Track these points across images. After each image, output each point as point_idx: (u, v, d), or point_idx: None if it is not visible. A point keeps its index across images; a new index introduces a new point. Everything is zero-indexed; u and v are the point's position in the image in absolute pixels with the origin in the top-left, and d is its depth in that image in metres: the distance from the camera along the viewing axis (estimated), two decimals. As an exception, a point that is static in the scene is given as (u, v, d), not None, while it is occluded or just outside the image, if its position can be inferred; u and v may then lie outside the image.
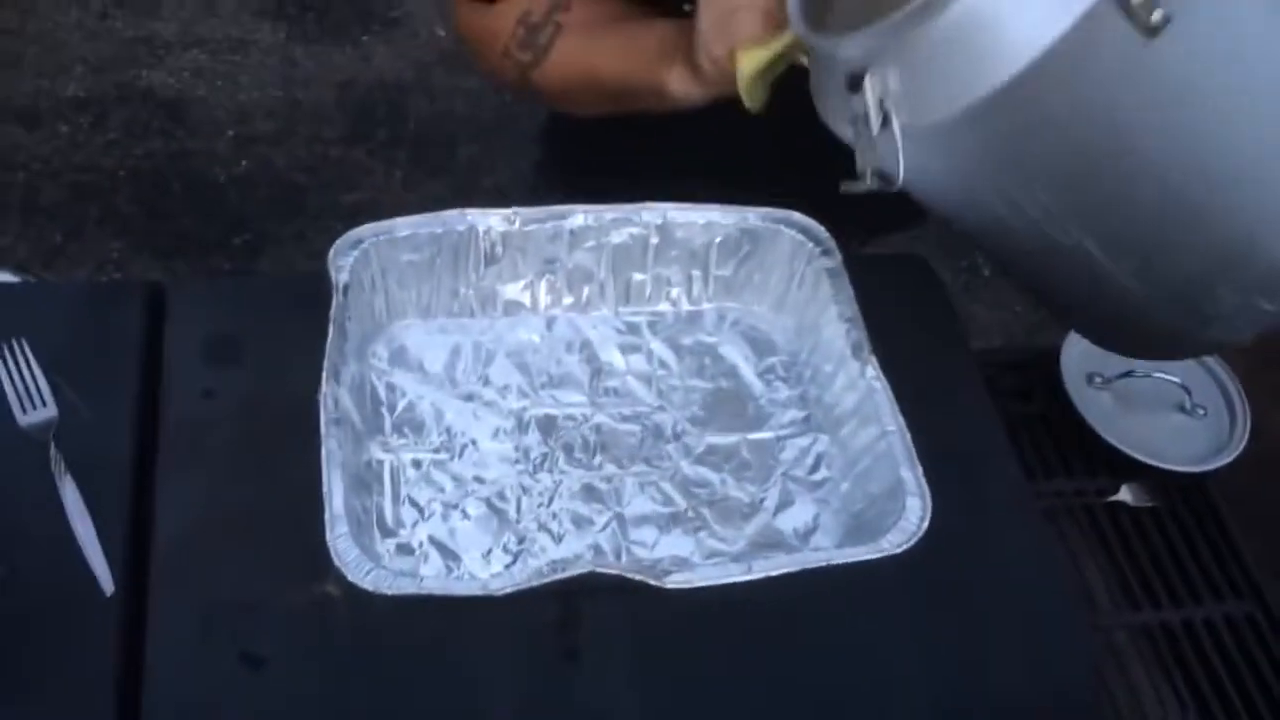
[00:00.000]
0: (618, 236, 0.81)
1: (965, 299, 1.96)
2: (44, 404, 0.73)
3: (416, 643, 0.66)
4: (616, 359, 0.82)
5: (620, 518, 0.74)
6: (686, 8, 0.82)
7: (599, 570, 0.64)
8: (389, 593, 0.61)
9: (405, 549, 0.70)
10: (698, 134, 0.81)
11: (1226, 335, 0.69)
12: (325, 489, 0.64)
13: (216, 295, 0.85)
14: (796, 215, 0.82)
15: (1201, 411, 1.04)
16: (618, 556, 0.72)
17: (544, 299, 0.82)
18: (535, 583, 0.62)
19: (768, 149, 0.83)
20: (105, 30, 2.25)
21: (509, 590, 0.62)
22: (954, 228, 0.68)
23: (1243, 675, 0.92)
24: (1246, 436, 1.02)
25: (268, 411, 0.74)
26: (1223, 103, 0.57)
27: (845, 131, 0.64)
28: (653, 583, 0.63)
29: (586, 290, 0.83)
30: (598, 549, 0.72)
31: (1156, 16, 0.50)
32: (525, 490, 0.74)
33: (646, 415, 0.79)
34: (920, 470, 0.70)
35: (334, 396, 0.68)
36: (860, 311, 0.77)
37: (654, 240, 0.81)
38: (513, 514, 0.73)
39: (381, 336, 0.79)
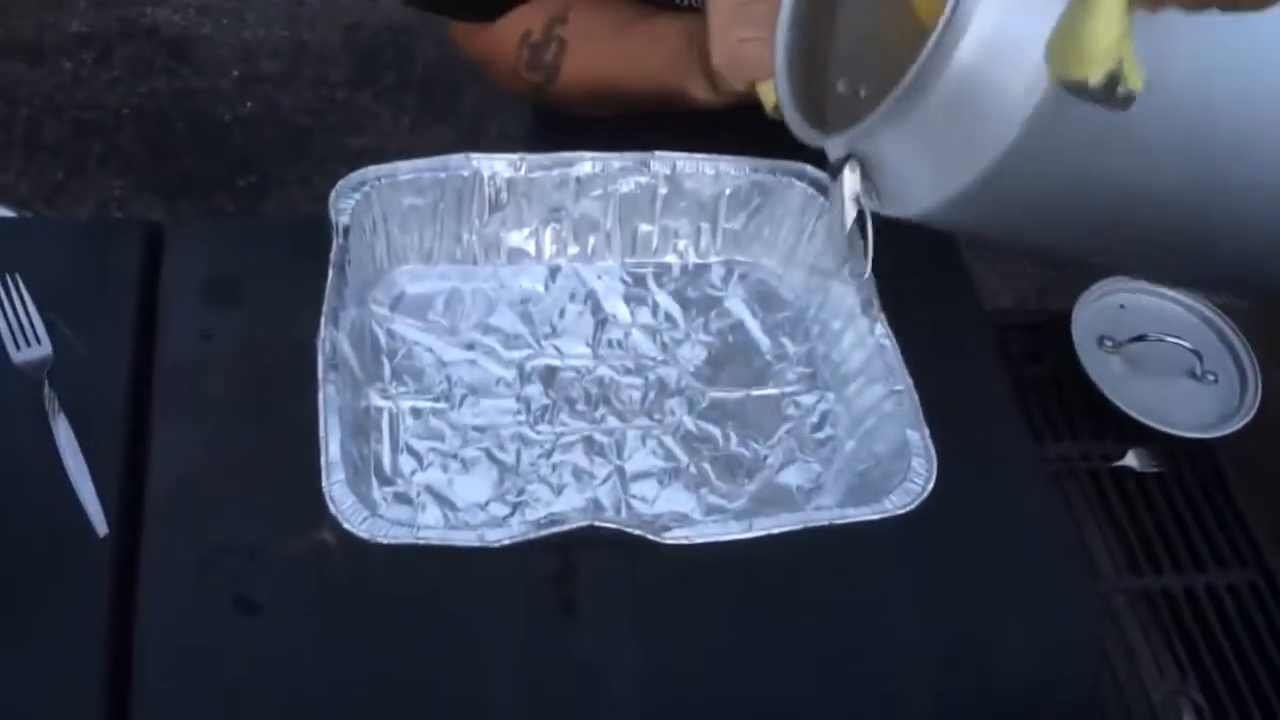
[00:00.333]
0: (625, 185, 0.79)
1: (976, 259, 1.95)
2: (38, 342, 0.72)
3: (412, 592, 0.65)
4: (621, 310, 0.81)
5: (621, 471, 0.73)
6: (680, 2, 0.81)
7: (598, 525, 0.63)
8: (385, 541, 0.61)
9: (403, 498, 0.69)
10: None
11: None
12: (322, 435, 0.63)
13: (216, 236, 0.83)
14: (809, 168, 0.80)
15: (1212, 378, 1.03)
16: (618, 510, 0.71)
17: (549, 248, 0.81)
18: (533, 535, 0.62)
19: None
20: (110, -36, 2.22)
21: (506, 542, 0.61)
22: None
23: (1243, 643, 0.92)
24: (1257, 404, 1.01)
25: (266, 355, 0.73)
26: (1212, 141, 0.55)
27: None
28: (651, 538, 0.62)
29: (592, 240, 0.81)
30: (597, 502, 0.71)
31: (1122, 90, 0.49)
32: (525, 441, 0.73)
33: (650, 369, 0.78)
34: (927, 431, 0.69)
35: (332, 342, 0.67)
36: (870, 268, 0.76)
37: (662, 190, 0.80)
38: (512, 465, 0.72)
39: (382, 282, 0.78)
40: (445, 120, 2.05)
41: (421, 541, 0.62)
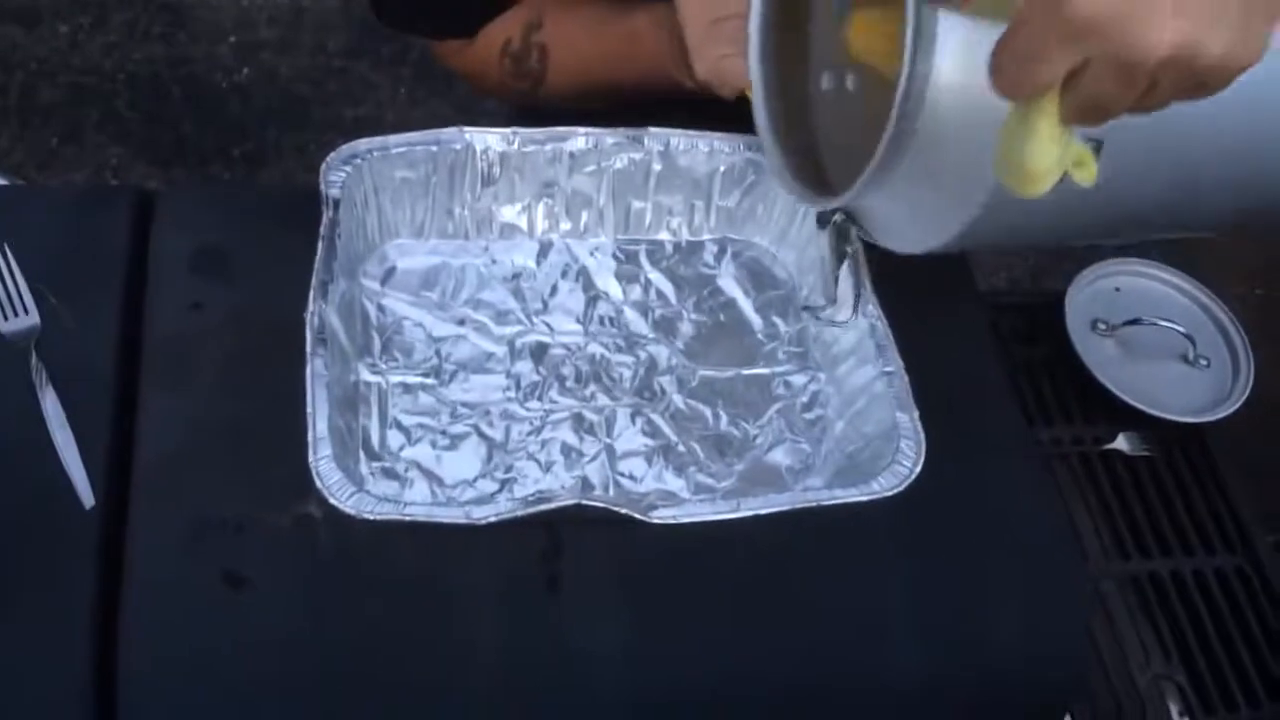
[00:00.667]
0: (619, 161, 0.79)
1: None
2: (26, 312, 0.72)
3: (399, 567, 0.65)
4: (613, 288, 0.80)
5: (610, 449, 0.73)
6: None
7: (585, 503, 0.63)
8: (371, 517, 0.61)
9: (390, 473, 0.69)
10: None
11: None
12: (309, 410, 0.63)
13: (207, 205, 0.82)
14: (804, 147, 0.80)
15: (1204, 362, 1.03)
16: (606, 488, 0.71)
17: (541, 223, 0.81)
18: (519, 513, 0.62)
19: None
20: (106, -73, 2.20)
21: (492, 520, 0.61)
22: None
23: (1229, 629, 0.93)
24: (1248, 390, 1.01)
25: (256, 326, 0.72)
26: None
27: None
28: (638, 517, 0.62)
29: (585, 216, 0.81)
30: (586, 480, 0.71)
31: (1077, 186, 0.49)
32: (515, 418, 0.73)
33: (641, 346, 0.78)
34: (916, 413, 0.69)
35: (321, 316, 0.66)
36: (864, 248, 0.75)
37: (656, 167, 0.79)
38: (501, 441, 0.72)
39: (373, 256, 0.78)
40: (443, 92, 2.04)
41: (408, 518, 0.62)
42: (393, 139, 0.75)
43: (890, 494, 0.66)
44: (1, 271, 0.73)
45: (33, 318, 0.72)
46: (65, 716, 0.61)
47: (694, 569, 0.67)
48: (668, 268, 0.82)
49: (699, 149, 0.79)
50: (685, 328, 0.79)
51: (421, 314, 0.76)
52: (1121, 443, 1.00)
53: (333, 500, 0.61)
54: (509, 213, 0.80)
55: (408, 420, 0.71)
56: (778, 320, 0.80)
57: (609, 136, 0.78)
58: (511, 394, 0.74)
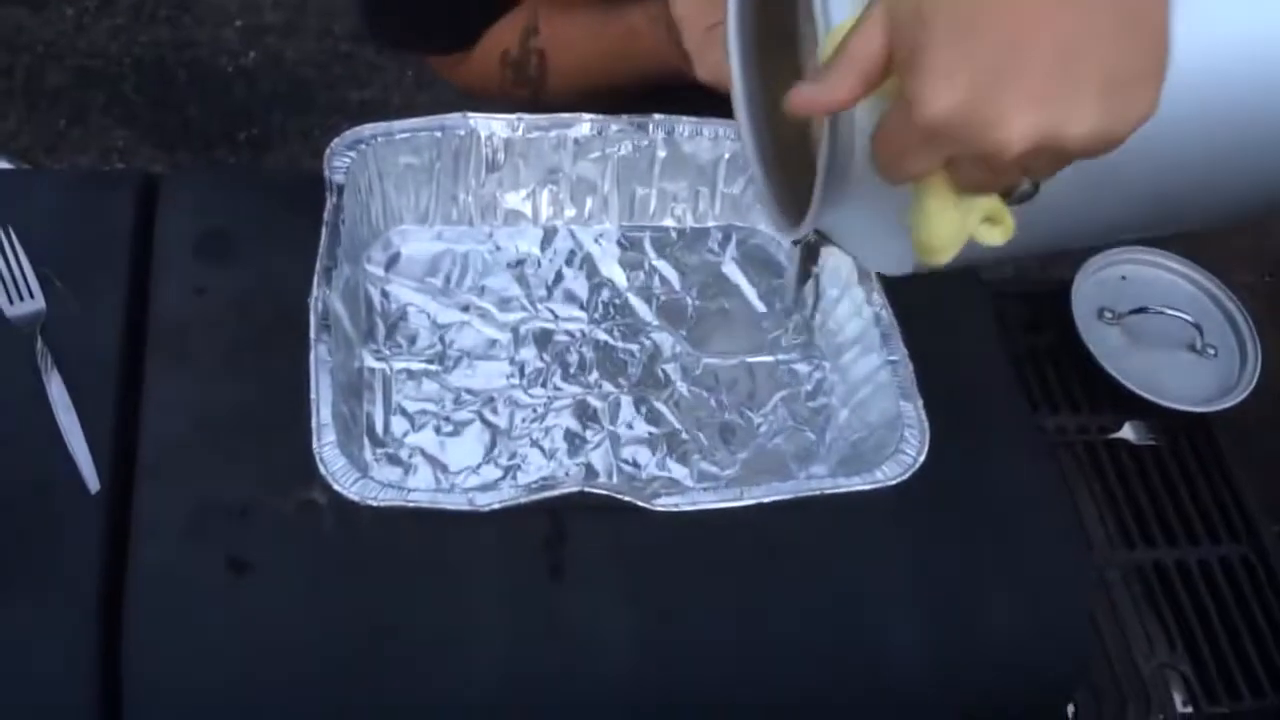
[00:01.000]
0: (623, 148, 0.78)
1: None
2: (32, 296, 0.72)
3: (402, 553, 0.65)
4: (617, 275, 0.80)
5: (614, 437, 0.73)
6: None
7: (588, 490, 0.63)
8: (375, 504, 0.61)
9: (394, 459, 0.69)
10: None
11: None
12: (313, 397, 0.63)
13: (211, 189, 0.82)
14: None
15: (1212, 351, 1.02)
16: (609, 476, 0.71)
17: (545, 209, 0.80)
18: (522, 500, 0.62)
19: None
20: (112, -91, 2.19)
21: (495, 507, 0.61)
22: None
23: (1234, 618, 0.93)
24: (1255, 379, 1.01)
25: (260, 311, 0.72)
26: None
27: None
28: (641, 505, 0.62)
29: (589, 202, 0.81)
30: (589, 467, 0.71)
31: (1026, 187, 0.48)
32: (518, 405, 0.73)
33: (645, 334, 0.78)
34: (920, 402, 0.69)
35: (324, 302, 0.66)
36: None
37: (661, 153, 0.79)
38: (505, 428, 0.72)
39: (377, 242, 0.78)
40: (449, 76, 2.03)
41: (411, 504, 0.62)
42: (397, 124, 0.75)
43: (894, 483, 0.66)
44: (7, 255, 0.73)
45: (38, 302, 0.72)
46: (70, 699, 0.61)
47: (697, 557, 0.67)
48: (672, 255, 0.82)
49: (704, 135, 0.79)
50: (689, 315, 0.79)
51: (426, 300, 0.76)
52: (1127, 432, 1.00)
53: (336, 486, 0.61)
54: (513, 199, 0.80)
55: (412, 406, 0.71)
56: (782, 308, 0.80)
57: (613, 123, 0.78)
58: (515, 381, 0.74)
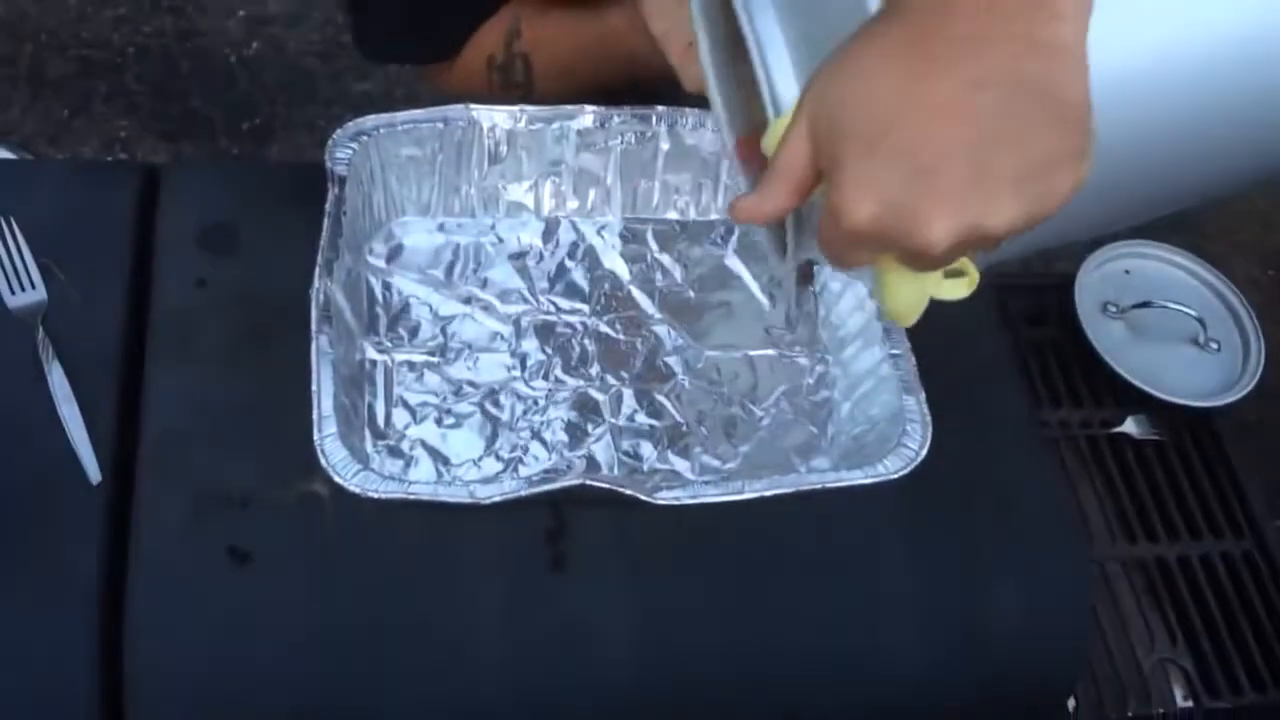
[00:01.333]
0: (626, 140, 0.78)
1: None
2: (33, 287, 0.72)
3: (404, 545, 0.65)
4: (620, 267, 0.80)
5: (615, 429, 0.73)
6: None
7: (589, 483, 0.63)
8: (376, 495, 0.61)
9: (396, 452, 0.69)
10: None
11: None
12: (314, 388, 0.63)
13: (213, 181, 0.82)
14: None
15: (1215, 346, 1.02)
16: (611, 469, 0.71)
17: (547, 201, 0.80)
18: (524, 492, 0.62)
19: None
20: (115, -101, 2.19)
21: (496, 499, 0.61)
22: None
23: (1234, 613, 0.92)
24: (1258, 374, 1.00)
25: (262, 303, 0.72)
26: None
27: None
28: (643, 498, 0.62)
29: (592, 194, 0.80)
30: (591, 460, 0.71)
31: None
32: (520, 397, 0.73)
33: (647, 326, 0.78)
34: (923, 395, 0.69)
35: (326, 293, 0.66)
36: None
37: (664, 146, 0.79)
38: (507, 421, 0.72)
39: (379, 234, 0.78)
40: (453, 66, 2.03)
41: (412, 497, 0.62)
42: (399, 116, 0.74)
43: (895, 476, 0.66)
44: (8, 246, 0.73)
45: (40, 293, 0.72)
46: (72, 689, 0.61)
47: (698, 550, 0.67)
48: (675, 247, 0.82)
49: (706, 128, 0.79)
50: (692, 308, 0.79)
51: (428, 292, 0.76)
52: (1130, 426, 1.00)
53: (337, 478, 0.61)
54: (515, 191, 0.79)
55: (413, 399, 0.71)
56: (785, 302, 0.80)
57: (616, 115, 0.78)
58: (517, 373, 0.74)
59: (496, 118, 0.76)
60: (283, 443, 0.65)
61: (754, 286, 0.81)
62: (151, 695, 0.61)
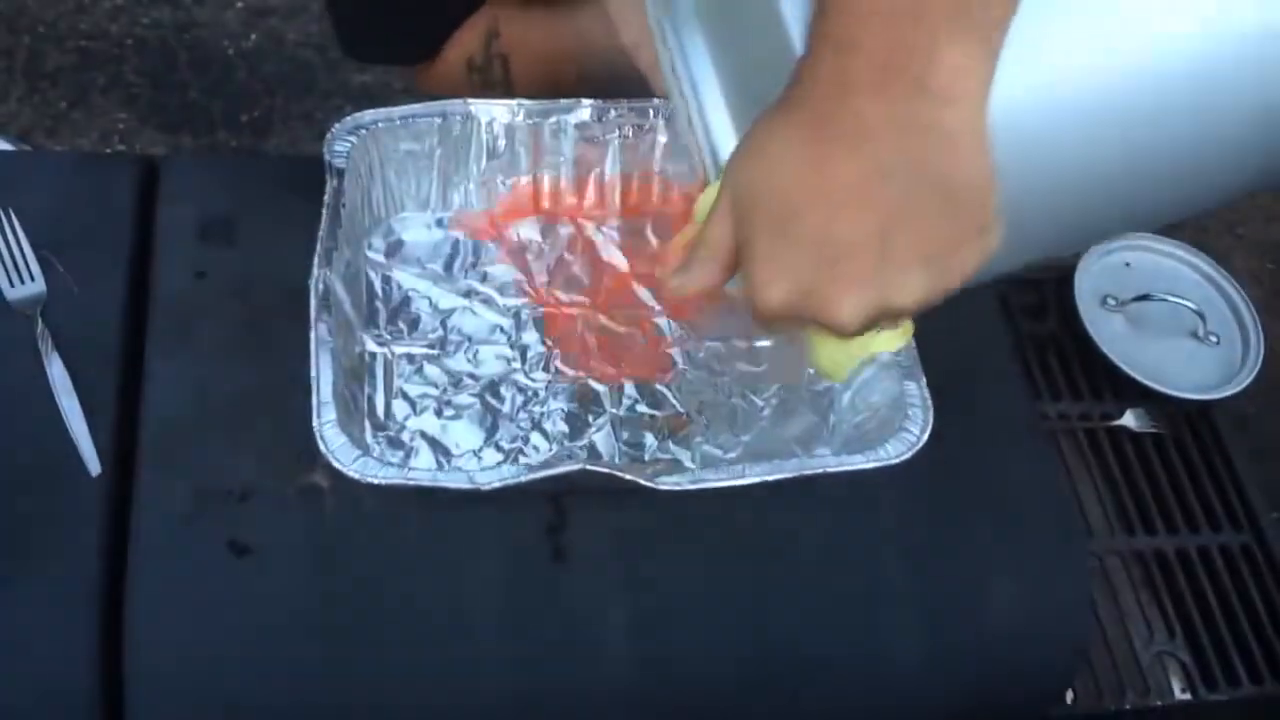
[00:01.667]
0: (624, 133, 0.78)
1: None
2: (32, 279, 0.72)
3: (404, 537, 0.66)
4: (619, 259, 0.80)
5: (616, 420, 0.73)
6: None
7: (590, 469, 0.63)
8: (375, 482, 0.61)
9: (396, 443, 0.69)
10: None
11: None
12: (313, 376, 0.63)
13: (213, 173, 0.82)
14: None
15: (1214, 339, 1.02)
16: (612, 459, 0.71)
17: (546, 195, 0.80)
18: (524, 478, 0.62)
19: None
20: (112, -110, 2.18)
21: (496, 485, 0.61)
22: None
23: (1233, 605, 0.93)
24: (1258, 367, 1.00)
25: (261, 296, 0.72)
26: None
27: None
28: (644, 484, 0.62)
29: (591, 188, 0.80)
30: (592, 450, 0.71)
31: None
32: (520, 389, 0.73)
33: (647, 317, 0.78)
34: (924, 381, 0.69)
35: (325, 282, 0.66)
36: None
37: (662, 138, 0.79)
38: (507, 412, 0.72)
39: (379, 228, 0.77)
40: (453, 59, 2.03)
41: (411, 483, 0.61)
42: (397, 110, 0.74)
43: (896, 461, 0.66)
44: (7, 237, 0.73)
45: (39, 285, 0.72)
46: (71, 682, 0.61)
47: (698, 541, 0.68)
48: (674, 239, 0.81)
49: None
50: (691, 299, 0.79)
51: (427, 286, 0.76)
52: (1129, 419, 1.00)
53: (337, 464, 0.61)
54: (514, 185, 0.79)
55: (413, 390, 0.71)
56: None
57: (613, 108, 0.77)
58: (517, 365, 0.74)
59: (495, 112, 0.76)
60: (283, 435, 0.65)
61: (754, 279, 0.81)
62: (151, 688, 0.61)
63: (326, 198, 0.70)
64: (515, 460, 0.70)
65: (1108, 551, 0.95)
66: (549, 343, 0.75)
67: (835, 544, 0.70)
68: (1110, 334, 1.00)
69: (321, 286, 0.66)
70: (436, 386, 0.72)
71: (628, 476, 0.62)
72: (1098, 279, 1.03)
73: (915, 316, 0.50)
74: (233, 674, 0.62)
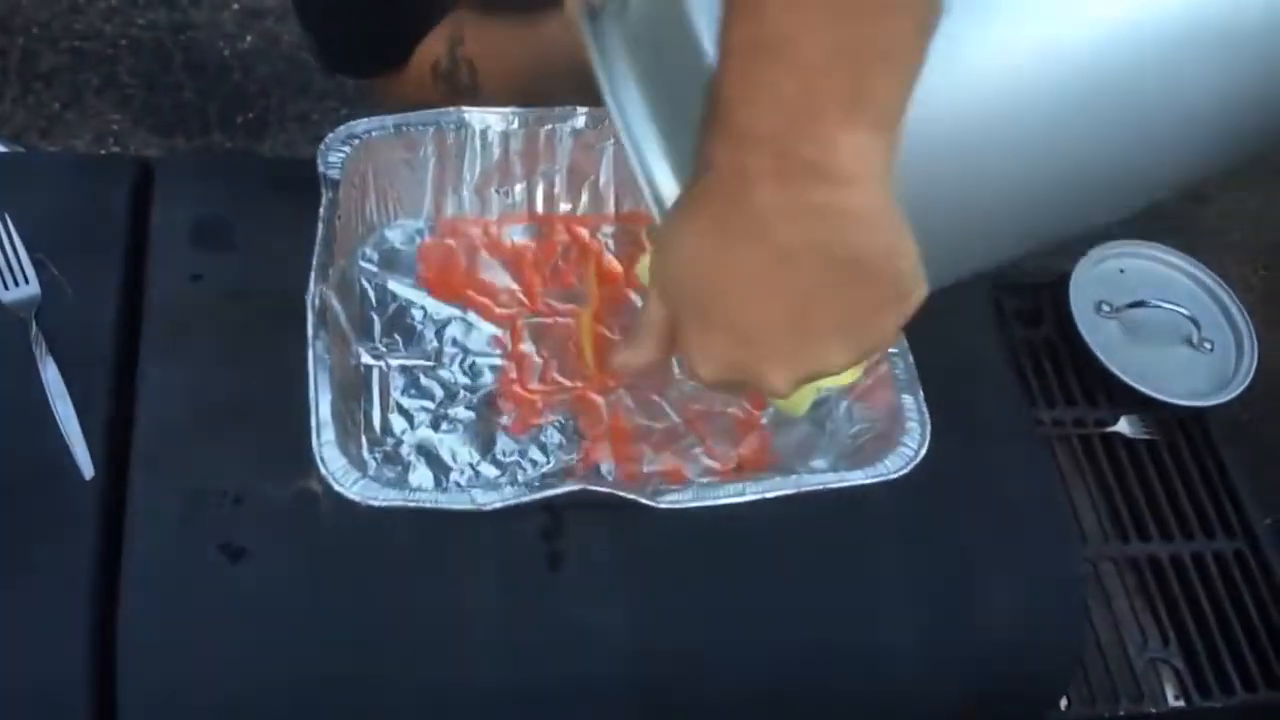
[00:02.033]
0: (619, 140, 0.78)
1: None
2: (26, 281, 0.72)
3: (399, 542, 0.65)
4: (615, 267, 0.80)
5: (613, 431, 0.72)
6: None
7: (590, 488, 0.63)
8: (377, 504, 0.61)
9: (392, 457, 0.69)
10: None
11: None
12: (312, 394, 0.63)
13: (208, 176, 0.82)
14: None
15: (1208, 345, 1.02)
16: (610, 472, 0.71)
17: (541, 203, 0.80)
18: (525, 499, 0.62)
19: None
20: (107, -110, 2.18)
21: (498, 505, 0.61)
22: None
23: (1227, 613, 0.93)
24: (1252, 374, 1.01)
25: (256, 300, 0.72)
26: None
27: None
28: (645, 502, 0.62)
29: (585, 195, 0.80)
30: (589, 460, 0.71)
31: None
32: (517, 400, 0.72)
33: (644, 326, 0.77)
34: (922, 394, 0.69)
35: (321, 298, 0.66)
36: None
37: (659, 144, 0.78)
38: (504, 423, 0.71)
39: (372, 237, 0.77)
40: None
41: (413, 504, 0.61)
42: (391, 119, 0.74)
43: (895, 476, 0.66)
44: (1, 240, 0.72)
45: (33, 287, 0.71)
46: (65, 685, 0.61)
47: (697, 548, 0.67)
48: (670, 247, 0.81)
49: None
50: (688, 307, 0.79)
51: (422, 296, 0.76)
52: (1123, 426, 1.00)
53: (338, 486, 0.61)
54: (509, 193, 0.79)
55: (409, 404, 0.71)
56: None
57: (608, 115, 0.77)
58: (514, 376, 0.73)
59: (489, 120, 0.76)
60: (277, 439, 0.65)
61: (750, 286, 0.80)
62: (144, 692, 0.61)
63: (321, 211, 0.69)
64: (513, 474, 0.70)
65: (1102, 558, 0.95)
66: (545, 354, 0.75)
67: (830, 549, 0.70)
68: (1105, 340, 1.00)
69: (318, 302, 0.66)
70: (433, 399, 0.72)
71: (629, 497, 0.62)
72: (1092, 285, 1.04)
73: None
74: (225, 678, 0.62)
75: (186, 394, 0.69)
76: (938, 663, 0.69)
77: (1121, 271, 1.06)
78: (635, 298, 0.78)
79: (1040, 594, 0.71)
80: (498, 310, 0.76)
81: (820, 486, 0.65)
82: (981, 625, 0.70)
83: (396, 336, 0.74)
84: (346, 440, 0.64)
